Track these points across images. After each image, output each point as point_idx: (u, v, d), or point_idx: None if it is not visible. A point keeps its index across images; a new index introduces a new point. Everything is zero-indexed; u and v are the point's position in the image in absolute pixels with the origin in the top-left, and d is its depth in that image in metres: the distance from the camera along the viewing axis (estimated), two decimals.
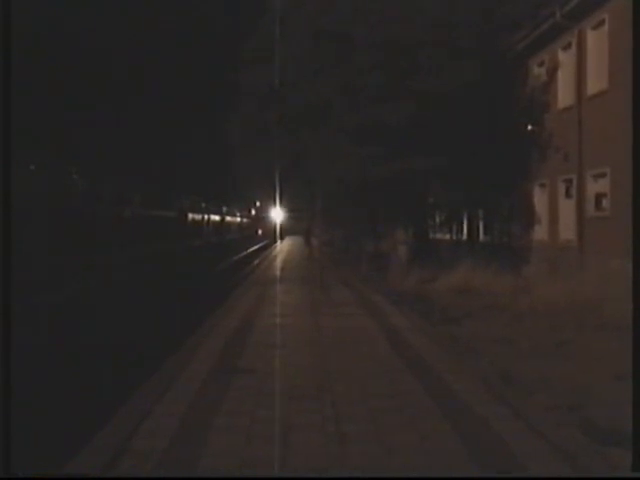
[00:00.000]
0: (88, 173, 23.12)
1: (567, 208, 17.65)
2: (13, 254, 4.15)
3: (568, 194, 17.82)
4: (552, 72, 18.51)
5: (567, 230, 17.53)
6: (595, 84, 16.11)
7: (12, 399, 4.16)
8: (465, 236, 24.83)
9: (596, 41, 16.14)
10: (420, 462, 4.67)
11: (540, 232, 19.22)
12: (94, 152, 24.29)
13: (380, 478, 4.52)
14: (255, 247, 56.40)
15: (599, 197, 16.15)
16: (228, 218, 74.37)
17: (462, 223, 25.00)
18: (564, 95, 17.90)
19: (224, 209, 69.70)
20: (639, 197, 4.73)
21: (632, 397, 4.28)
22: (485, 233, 23.20)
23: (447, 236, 26.05)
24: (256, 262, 35.64)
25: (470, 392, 6.49)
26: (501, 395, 6.42)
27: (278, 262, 31.98)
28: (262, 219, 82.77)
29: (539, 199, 19.45)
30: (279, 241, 59.57)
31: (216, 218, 63.57)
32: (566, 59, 17.78)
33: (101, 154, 25.14)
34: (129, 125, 28.47)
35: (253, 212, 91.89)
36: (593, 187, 16.37)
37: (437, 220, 25.97)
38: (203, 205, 55.34)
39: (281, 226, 61.85)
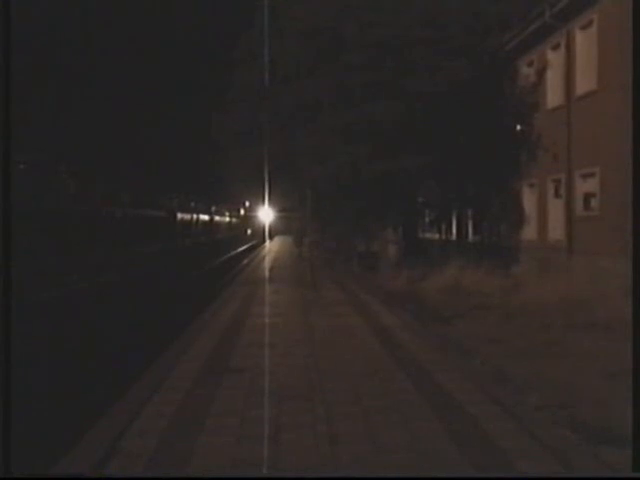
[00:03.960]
0: (83, 173, 23.08)
1: (556, 208, 17.72)
2: (13, 254, 4.15)
3: (557, 194, 17.90)
4: (541, 72, 18.59)
5: (556, 230, 17.60)
6: (584, 84, 16.18)
7: (12, 399, 4.16)
8: (454, 236, 24.89)
9: (585, 41, 16.21)
10: (412, 461, 4.67)
11: (529, 232, 19.29)
12: (88, 152, 24.27)
13: (378, 478, 4.54)
14: (244, 247, 56.33)
15: (588, 197, 16.23)
16: (217, 218, 74.21)
17: (451, 223, 25.08)
18: (553, 95, 17.97)
19: (213, 208, 69.57)
20: (639, 197, 4.77)
21: (632, 396, 4.31)
22: (474, 233, 23.28)
23: (436, 236, 26.12)
24: (245, 262, 35.59)
25: (462, 391, 6.52)
26: (493, 394, 6.46)
27: (267, 262, 31.94)
28: (251, 219, 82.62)
29: (528, 199, 19.52)
30: (268, 241, 59.51)
31: (205, 218, 63.43)
32: (555, 59, 17.84)
33: (94, 154, 25.11)
34: (124, 125, 28.45)
35: (242, 212, 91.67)
36: (582, 187, 16.44)
37: (426, 219, 26.03)
38: (192, 204, 55.22)
39: (270, 226, 61.81)
